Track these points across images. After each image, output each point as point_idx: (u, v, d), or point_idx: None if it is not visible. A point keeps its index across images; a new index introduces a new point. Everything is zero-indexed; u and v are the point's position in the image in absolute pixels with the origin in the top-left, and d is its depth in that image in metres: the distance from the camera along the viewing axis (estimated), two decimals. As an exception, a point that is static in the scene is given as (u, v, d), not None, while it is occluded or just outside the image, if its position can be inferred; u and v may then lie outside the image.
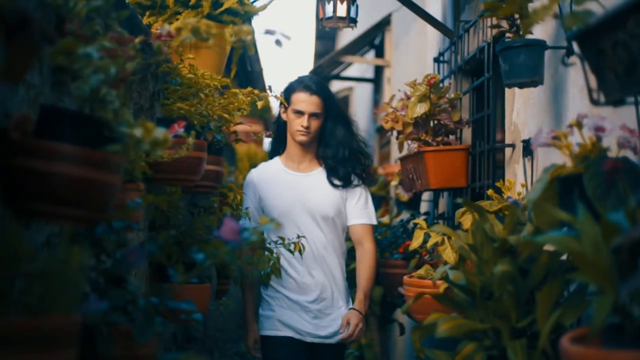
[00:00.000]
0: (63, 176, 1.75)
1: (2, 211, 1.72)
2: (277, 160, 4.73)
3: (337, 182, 4.55)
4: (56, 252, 1.49)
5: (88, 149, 1.78)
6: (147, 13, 4.21)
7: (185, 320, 2.63)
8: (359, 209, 4.58)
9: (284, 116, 4.64)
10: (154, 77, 3.60)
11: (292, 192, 4.53)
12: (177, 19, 4.16)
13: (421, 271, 3.82)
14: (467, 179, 4.21)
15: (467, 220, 3.30)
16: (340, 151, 4.56)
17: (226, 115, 3.64)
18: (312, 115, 4.48)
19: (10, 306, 1.43)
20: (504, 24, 2.99)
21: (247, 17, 4.33)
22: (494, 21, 3.65)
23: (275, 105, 4.92)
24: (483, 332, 2.37)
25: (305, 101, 4.49)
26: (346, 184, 4.56)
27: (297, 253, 4.21)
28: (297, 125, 4.49)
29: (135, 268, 2.47)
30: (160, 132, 1.85)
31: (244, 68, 9.00)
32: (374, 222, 4.65)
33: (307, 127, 4.48)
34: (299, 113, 4.48)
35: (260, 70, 10.36)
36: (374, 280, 4.59)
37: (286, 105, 4.58)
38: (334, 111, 4.62)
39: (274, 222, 1.96)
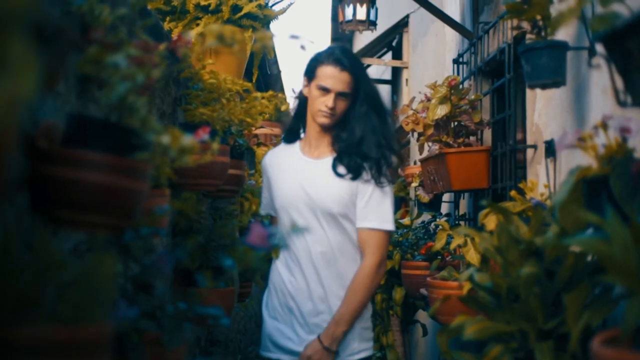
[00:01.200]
0: (90, 184, 1.76)
1: (32, 219, 1.73)
2: (297, 143, 3.93)
3: (341, 170, 3.71)
4: (88, 260, 1.50)
5: (115, 156, 1.79)
6: (168, 19, 4.23)
7: (212, 325, 2.63)
8: (365, 209, 3.68)
9: (305, 91, 3.83)
10: (175, 83, 3.62)
11: (295, 180, 3.78)
12: (197, 24, 4.18)
13: (444, 273, 3.82)
14: (488, 180, 4.21)
15: (490, 221, 3.29)
16: (355, 135, 3.71)
17: (249, 119, 3.66)
18: (339, 94, 3.68)
19: (43, 315, 1.43)
20: (526, 25, 2.99)
21: (266, 21, 4.35)
22: (514, 23, 3.65)
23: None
24: (510, 334, 2.37)
25: (333, 77, 3.68)
26: (355, 176, 3.69)
27: (292, 254, 3.69)
28: (321, 105, 3.69)
29: (163, 274, 2.46)
30: (187, 139, 1.85)
31: (263, 71, 9.03)
32: (387, 227, 3.70)
33: (332, 108, 3.68)
34: (325, 90, 3.67)
35: (279, 72, 10.40)
36: (359, 307, 3.64)
37: (309, 79, 3.79)
38: (366, 93, 3.75)
39: (298, 230, 1.96)
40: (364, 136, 3.68)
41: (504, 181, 4.11)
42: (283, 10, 4.52)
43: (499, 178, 4.20)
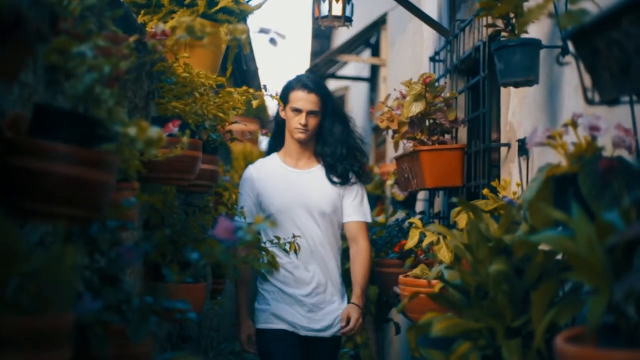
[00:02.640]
0: (57, 175, 1.74)
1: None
2: (274, 156, 4.83)
3: (336, 179, 4.68)
4: (50, 251, 1.49)
5: (82, 148, 1.77)
6: (142, 12, 4.20)
7: (180, 319, 2.62)
8: (354, 206, 4.72)
9: (282, 114, 4.72)
10: (148, 76, 3.59)
11: (292, 189, 4.64)
12: (172, 18, 4.16)
13: (417, 270, 3.82)
14: (462, 178, 4.21)
15: (462, 219, 3.30)
16: (338, 149, 4.68)
17: (221, 115, 3.65)
18: (310, 113, 4.60)
19: (5, 306, 1.42)
20: (499, 23, 2.99)
21: (242, 16, 4.33)
22: (489, 20, 3.65)
23: (270, 105, 4.98)
24: (478, 332, 2.37)
25: (303, 99, 4.60)
26: (344, 181, 4.69)
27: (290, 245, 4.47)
28: (295, 123, 4.60)
29: (129, 267, 2.47)
30: (154, 131, 1.84)
31: (240, 67, 9.01)
32: (369, 220, 4.80)
33: (305, 125, 4.59)
34: (297, 111, 4.60)
35: (256, 69, 10.37)
36: (369, 276, 4.75)
37: (284, 103, 4.66)
38: (332, 109, 4.73)
39: (270, 221, 1.95)
40: (343, 148, 4.70)
41: (478, 179, 4.12)
42: (259, 5, 4.51)
43: (473, 176, 4.20)
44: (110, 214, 2.16)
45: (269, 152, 4.96)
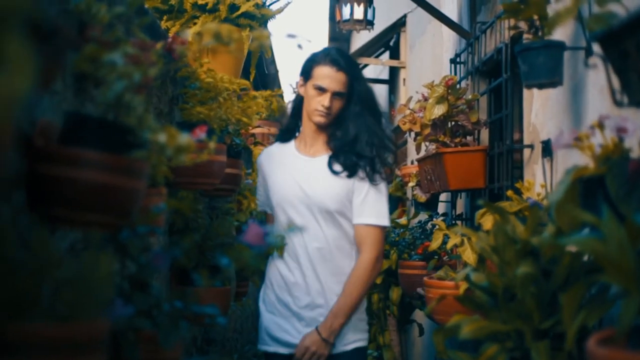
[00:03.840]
0: (88, 182, 1.76)
1: (29, 218, 1.73)
2: (291, 142, 4.01)
3: (337, 168, 3.79)
4: (85, 259, 1.50)
5: (112, 155, 1.79)
6: (165, 17, 4.23)
7: (209, 324, 2.63)
8: (362, 206, 3.77)
9: (301, 90, 3.93)
10: (173, 82, 3.61)
11: (292, 178, 3.86)
12: (195, 23, 4.18)
13: (441, 272, 3.83)
14: (485, 180, 4.21)
15: (487, 221, 3.30)
16: (350, 134, 3.79)
17: (245, 119, 3.66)
18: (336, 94, 3.76)
19: (39, 313, 1.43)
20: (523, 25, 2.99)
21: (263, 20, 4.35)
22: (511, 22, 3.66)
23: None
24: (506, 334, 2.37)
25: (329, 77, 3.76)
26: (350, 173, 3.77)
27: (290, 249, 3.78)
28: (317, 104, 3.78)
29: (159, 273, 2.48)
30: (184, 138, 1.85)
31: (261, 70, 9.03)
32: (382, 223, 3.80)
33: (329, 108, 3.77)
34: (321, 90, 3.76)
35: (276, 72, 10.39)
36: (357, 300, 3.72)
37: (305, 79, 3.88)
38: (361, 94, 3.83)
39: (295, 227, 1.96)
40: (358, 135, 3.78)
41: (501, 181, 4.12)
42: (280, 10, 4.53)
43: (495, 178, 4.20)
44: (140, 220, 2.18)
45: (280, 134, 4.13)
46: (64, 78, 2.16)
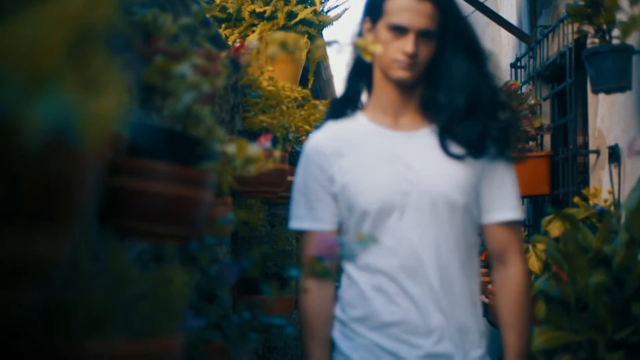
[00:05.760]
0: (158, 194, 1.76)
1: (98, 231, 1.73)
2: (359, 115, 2.66)
3: (456, 149, 2.53)
4: (159, 272, 1.50)
5: (182, 166, 1.78)
6: (223, 26, 4.25)
7: (277, 334, 2.62)
8: (499, 195, 2.57)
9: (368, 37, 2.57)
10: (234, 90, 3.62)
11: (391, 164, 2.52)
12: (253, 31, 4.19)
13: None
14: (549, 186, 4.16)
15: (554, 228, 3.25)
16: (460, 98, 2.51)
17: (307, 127, 3.66)
18: (421, 34, 2.46)
19: (114, 329, 1.43)
20: (589, 29, 2.95)
21: (321, 27, 4.35)
22: (576, 26, 3.61)
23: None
24: (578, 344, 2.33)
25: (410, 10, 2.46)
26: (475, 152, 2.52)
27: (387, 271, 2.47)
28: (396, 52, 2.47)
29: (228, 284, 2.46)
30: (253, 149, 1.85)
31: (319, 77, 9.03)
32: (522, 216, 2.68)
33: (414, 56, 2.45)
34: (400, 30, 2.46)
35: (330, 77, 10.38)
36: (529, 334, 2.49)
37: (373, 19, 2.57)
38: (458, 31, 2.57)
39: (370, 238, 1.93)
40: (470, 92, 2.52)
41: (566, 187, 4.06)
42: (338, 16, 4.52)
43: (559, 184, 4.15)
44: (206, 231, 2.17)
45: (338, 108, 2.71)
46: (130, 89, 2.16)
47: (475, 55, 2.59)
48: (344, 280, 2.61)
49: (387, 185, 2.50)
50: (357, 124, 2.64)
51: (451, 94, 2.53)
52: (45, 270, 0.81)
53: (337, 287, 2.67)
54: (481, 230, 2.61)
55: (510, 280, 2.58)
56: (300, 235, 2.74)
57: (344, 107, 2.71)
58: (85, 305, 1.38)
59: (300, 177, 2.69)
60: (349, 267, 2.57)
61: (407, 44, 2.45)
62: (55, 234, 0.76)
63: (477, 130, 2.51)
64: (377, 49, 1.87)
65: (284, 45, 2.27)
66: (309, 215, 2.63)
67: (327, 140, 2.63)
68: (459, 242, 2.52)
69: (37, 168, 0.66)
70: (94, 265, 1.61)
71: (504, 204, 2.57)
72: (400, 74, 2.50)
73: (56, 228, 0.76)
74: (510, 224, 2.59)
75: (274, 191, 3.35)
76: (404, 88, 2.57)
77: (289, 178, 3.65)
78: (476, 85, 2.53)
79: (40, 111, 0.62)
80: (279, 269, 3.56)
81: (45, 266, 0.79)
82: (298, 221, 2.67)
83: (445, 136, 2.54)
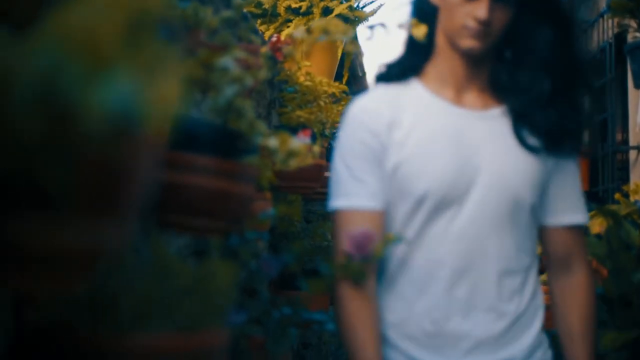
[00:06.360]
0: (198, 187, 1.75)
1: (145, 224, 1.72)
2: (414, 82, 2.16)
3: (531, 140, 2.10)
4: (204, 266, 1.49)
5: (225, 160, 1.77)
6: (259, 21, 4.25)
7: (317, 330, 2.61)
8: (569, 195, 2.21)
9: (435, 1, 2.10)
10: (270, 86, 3.61)
11: (455, 146, 2.07)
12: (288, 27, 4.19)
13: (543, 277, 3.75)
14: (587, 183, 4.12)
15: (595, 225, 3.21)
16: (545, 79, 2.08)
17: (346, 122, 3.65)
18: None
19: (159, 322, 1.42)
20: (630, 23, 2.91)
21: (357, 23, 4.34)
22: (616, 21, 3.56)
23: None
24: (623, 343, 2.30)
25: None
26: (552, 146, 2.11)
27: (441, 279, 2.04)
28: (466, 18, 2.01)
29: (269, 279, 2.46)
30: (296, 143, 1.83)
31: (354, 73, 9.01)
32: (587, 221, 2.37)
33: (487, 23, 2.00)
34: None
35: (363, 74, 10.36)
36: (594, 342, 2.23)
37: None
38: None
39: (398, 236, 1.88)
40: (560, 75, 2.11)
41: (605, 184, 4.02)
42: (374, 12, 4.51)
43: (599, 180, 4.11)
44: (248, 226, 2.16)
45: (386, 73, 2.21)
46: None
47: (565, 27, 2.14)
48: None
49: (450, 170, 2.03)
50: (414, 93, 2.14)
51: (535, 73, 2.10)
52: (101, 261, 0.80)
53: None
54: (539, 233, 2.21)
55: (577, 288, 2.24)
56: (337, 219, 2.12)
57: (399, 71, 2.20)
58: (130, 298, 1.37)
59: (346, 146, 2.13)
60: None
61: (480, 9, 2.01)
62: (114, 224, 0.75)
63: (560, 120, 2.10)
64: (422, 30, 1.71)
65: (326, 32, 2.25)
66: (356, 191, 2.07)
67: (381, 104, 2.11)
68: (522, 245, 2.12)
69: (98, 155, 0.64)
70: (135, 257, 1.60)
71: (575, 206, 2.22)
72: (470, 43, 2.06)
73: (115, 218, 0.74)
74: (578, 228, 2.27)
75: (311, 187, 3.33)
76: (471, 59, 2.11)
77: (327, 174, 3.64)
78: (565, 65, 2.13)
79: (102, 96, 0.61)
80: (315, 265, 3.54)
81: (101, 258, 0.78)
82: (342, 198, 2.10)
83: (521, 123, 2.12)
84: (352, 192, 2.07)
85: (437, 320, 2.05)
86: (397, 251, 2.05)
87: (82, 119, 0.61)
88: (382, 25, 2.25)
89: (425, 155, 2.04)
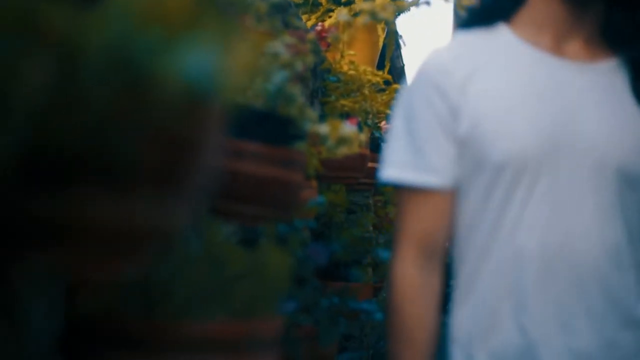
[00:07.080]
0: (248, 174, 1.73)
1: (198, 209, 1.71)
2: (502, 29, 1.72)
3: None
4: (259, 253, 1.47)
5: (275, 147, 1.75)
6: (300, 11, 4.24)
7: (363, 320, 2.60)
8: None
9: None
10: (313, 74, 3.59)
11: (548, 103, 1.65)
12: (330, 17, 4.17)
13: None
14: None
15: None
16: None
17: (389, 112, 3.62)
18: None
19: (213, 309, 1.41)
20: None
21: (398, 13, 4.31)
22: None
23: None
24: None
25: None
26: None
27: (519, 265, 1.61)
28: None
29: (318, 267, 2.44)
30: (347, 129, 1.81)
31: (394, 63, 8.97)
32: None
33: None
34: None
35: (403, 66, 10.31)
36: None
37: None
38: None
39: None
40: None
41: None
42: (415, 2, 4.48)
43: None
44: (296, 214, 2.15)
45: (469, 22, 1.80)
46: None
47: None
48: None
49: (539, 132, 1.62)
50: (501, 40, 1.72)
51: None
52: (162, 243, 0.78)
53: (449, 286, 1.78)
54: None
55: None
56: (396, 194, 1.86)
57: (484, 15, 1.78)
58: (184, 284, 1.36)
59: (407, 108, 1.75)
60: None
61: None
62: (179, 203, 0.73)
63: None
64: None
65: (373, 14, 2.22)
66: (414, 162, 1.70)
67: (457, 56, 1.72)
68: (635, 233, 1.65)
69: (171, 126, 0.62)
70: (188, 243, 1.59)
71: None
72: None
73: (180, 196, 0.72)
74: None
75: (355, 176, 3.31)
76: (576, 3, 1.67)
77: (370, 164, 3.62)
78: None
79: (177, 65, 0.59)
80: (358, 256, 3.53)
81: (166, 238, 0.76)
82: (396, 169, 1.74)
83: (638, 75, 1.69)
84: (407, 162, 1.71)
85: (527, 330, 1.62)
86: (476, 240, 1.67)
87: (156, 88, 0.59)
88: (427, 3, 2.23)
89: (508, 112, 1.64)
